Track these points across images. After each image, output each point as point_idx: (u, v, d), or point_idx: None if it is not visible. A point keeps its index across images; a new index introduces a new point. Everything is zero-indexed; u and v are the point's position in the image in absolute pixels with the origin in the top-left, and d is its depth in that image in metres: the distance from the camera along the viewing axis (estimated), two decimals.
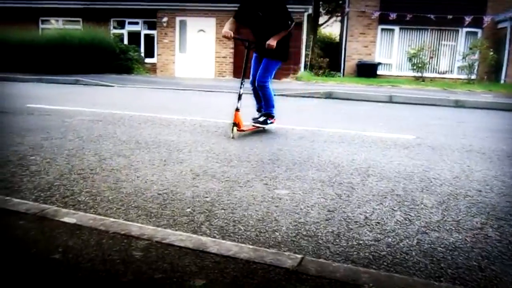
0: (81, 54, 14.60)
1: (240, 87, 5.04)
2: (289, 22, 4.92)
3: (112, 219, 2.02)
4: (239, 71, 18.54)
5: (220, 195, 2.83)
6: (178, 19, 18.36)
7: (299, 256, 1.74)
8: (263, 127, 5.21)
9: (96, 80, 12.31)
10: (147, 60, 18.47)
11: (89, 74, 13.98)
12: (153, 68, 18.49)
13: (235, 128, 4.75)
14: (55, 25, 20.14)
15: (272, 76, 5.18)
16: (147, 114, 6.36)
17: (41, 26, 20.41)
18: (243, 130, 4.95)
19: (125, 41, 18.64)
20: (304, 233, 2.25)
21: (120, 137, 4.60)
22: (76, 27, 19.04)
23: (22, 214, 2.03)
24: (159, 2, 18.15)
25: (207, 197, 2.78)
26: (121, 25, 19.44)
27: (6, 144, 4.11)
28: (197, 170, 3.39)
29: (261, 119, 5.20)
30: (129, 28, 19.37)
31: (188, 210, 2.54)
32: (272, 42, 4.80)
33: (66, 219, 1.96)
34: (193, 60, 18.28)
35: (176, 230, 2.12)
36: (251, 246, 1.83)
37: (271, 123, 5.24)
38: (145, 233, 1.83)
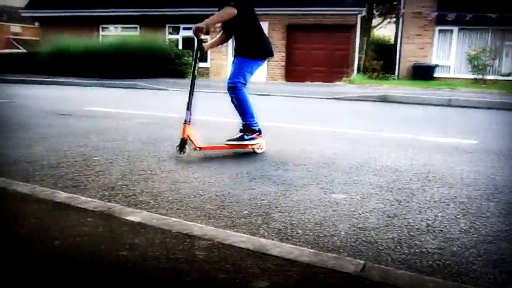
0: (138, 60, 15.16)
1: (190, 92, 4.01)
2: (231, 3, 3.75)
3: (174, 219, 2.08)
4: (291, 74, 18.51)
5: (276, 198, 2.83)
6: None
7: (362, 261, 1.70)
8: (241, 144, 4.10)
9: (152, 84, 12.73)
10: (200, 65, 18.88)
11: (145, 78, 14.49)
12: (206, 72, 18.89)
13: (186, 146, 3.85)
14: (113, 32, 21.08)
15: (247, 79, 4.06)
16: (203, 117, 6.47)
17: (101, 33, 21.42)
18: (200, 148, 3.93)
19: (180, 46, 19.18)
20: (364, 238, 2.20)
21: (176, 140, 4.70)
22: (133, 33, 19.83)
23: (90, 212, 2.13)
24: (212, 7, 18.52)
25: (263, 199, 2.79)
26: (176, 30, 20.02)
27: (72, 145, 4.34)
28: (254, 173, 3.42)
29: (238, 135, 4.11)
30: (183, 33, 19.91)
31: (246, 212, 2.56)
32: (201, 23, 3.66)
33: (131, 218, 2.04)
34: None
35: (236, 232, 2.14)
36: (311, 250, 1.81)
37: (250, 138, 4.06)
38: (207, 234, 1.86)
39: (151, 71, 15.58)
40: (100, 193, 2.85)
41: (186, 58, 16.93)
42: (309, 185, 3.13)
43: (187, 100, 4.00)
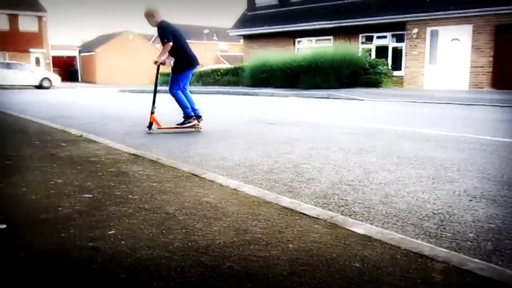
0: (332, 70, 15.50)
1: (154, 94, 6.47)
2: (165, 41, 6.03)
3: (400, 235, 2.01)
4: (500, 81, 16.51)
5: (505, 223, 2.51)
6: (429, 29, 17.60)
7: None
8: (183, 127, 6.29)
9: (346, 94, 12.84)
10: (394, 73, 18.29)
11: (339, 88, 14.69)
12: (399, 81, 18.19)
13: (152, 126, 6.17)
14: (308, 44, 22.04)
15: (179, 85, 6.26)
16: (402, 128, 6.24)
17: (297, 46, 22.61)
18: (161, 128, 6.22)
19: (373, 55, 18.93)
20: None
21: (380, 151, 4.62)
22: (327, 45, 20.38)
23: (314, 218, 2.23)
24: (409, 14, 17.77)
25: (491, 223, 2.50)
26: (369, 39, 19.83)
27: (281, 151, 4.64)
28: (472, 192, 3.11)
29: (181, 121, 6.32)
30: (377, 42, 19.60)
31: (471, 235, 2.34)
32: (159, 59, 6.19)
33: (355, 229, 2.05)
34: (444, 71, 17.20)
35: (464, 256, 1.96)
36: None
37: (188, 122, 6.28)
38: (439, 255, 1.75)
39: (344, 81, 15.75)
40: (313, 200, 2.96)
41: (381, 68, 16.58)
42: None
43: (153, 99, 6.34)
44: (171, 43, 6.04)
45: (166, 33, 6.09)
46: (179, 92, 6.29)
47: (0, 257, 1.78)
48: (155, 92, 6.51)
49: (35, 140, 4.93)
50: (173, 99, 6.36)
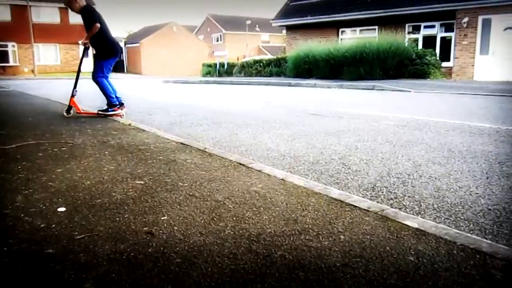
0: (377, 61, 15.15)
1: (76, 78, 6.34)
2: (92, 23, 5.91)
3: (455, 230, 1.95)
4: None
5: None
6: (480, 17, 16.83)
7: None
8: (105, 114, 6.14)
9: (392, 85, 12.51)
10: (443, 64, 17.64)
11: (384, 79, 14.35)
12: (448, 72, 17.54)
13: (71, 110, 6.16)
14: (352, 35, 21.62)
15: (103, 72, 6.14)
16: (452, 121, 6.03)
17: (340, 36, 22.24)
18: (80, 112, 6.19)
19: (419, 45, 18.33)
20: None
21: (430, 144, 4.49)
22: (372, 35, 19.92)
23: (364, 211, 2.20)
24: (460, 2, 17.04)
25: None
26: (417, 29, 19.20)
27: (326, 143, 4.59)
28: None
29: (105, 108, 6.21)
30: (424, 32, 18.96)
31: None
32: (86, 40, 5.99)
33: (407, 222, 2.01)
34: (496, 62, 16.42)
35: None
36: None
37: (112, 110, 6.17)
38: (498, 252, 1.69)
39: (390, 72, 15.37)
40: (361, 192, 2.92)
41: (429, 58, 16.02)
42: None
43: (75, 82, 6.32)
44: (98, 25, 5.90)
45: (93, 16, 5.98)
46: (104, 79, 6.17)
47: (62, 238, 1.86)
48: (78, 74, 6.35)
49: (87, 129, 5.12)
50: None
